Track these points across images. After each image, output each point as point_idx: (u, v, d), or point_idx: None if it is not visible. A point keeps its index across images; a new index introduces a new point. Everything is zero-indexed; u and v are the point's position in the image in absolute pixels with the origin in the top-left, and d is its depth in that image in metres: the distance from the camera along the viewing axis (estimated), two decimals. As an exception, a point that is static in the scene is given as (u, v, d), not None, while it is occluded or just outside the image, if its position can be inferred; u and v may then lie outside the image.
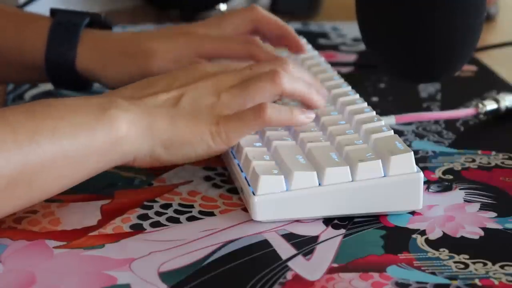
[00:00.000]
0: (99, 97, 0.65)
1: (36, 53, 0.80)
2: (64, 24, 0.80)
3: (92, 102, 0.63)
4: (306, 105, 0.69)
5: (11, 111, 0.60)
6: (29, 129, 0.59)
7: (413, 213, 0.64)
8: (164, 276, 0.56)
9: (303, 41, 0.85)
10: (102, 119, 0.61)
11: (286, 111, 0.66)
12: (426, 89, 0.90)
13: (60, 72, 0.80)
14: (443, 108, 0.85)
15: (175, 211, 0.65)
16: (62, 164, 0.60)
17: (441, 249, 0.59)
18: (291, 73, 0.69)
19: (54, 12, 0.82)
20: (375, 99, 0.88)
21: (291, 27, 0.83)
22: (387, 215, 0.63)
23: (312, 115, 0.67)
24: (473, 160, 0.73)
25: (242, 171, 0.64)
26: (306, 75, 0.71)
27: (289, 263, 0.58)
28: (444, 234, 0.61)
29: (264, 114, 0.64)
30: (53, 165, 0.59)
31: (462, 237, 0.61)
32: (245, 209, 0.64)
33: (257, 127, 0.65)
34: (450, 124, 0.81)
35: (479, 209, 0.65)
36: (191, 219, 0.64)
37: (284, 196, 0.61)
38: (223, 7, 0.93)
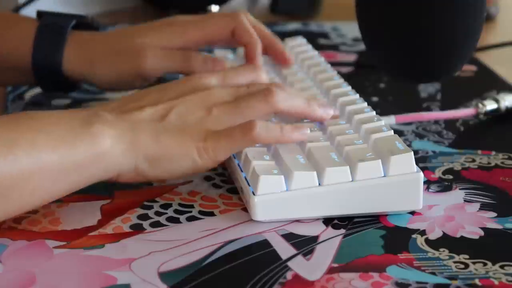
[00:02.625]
0: (85, 110, 0.63)
1: (22, 55, 0.80)
2: (51, 26, 0.80)
3: (77, 116, 0.62)
4: (309, 119, 0.68)
5: None
6: (8, 140, 0.58)
7: (413, 213, 0.64)
8: (164, 276, 0.56)
9: (291, 55, 0.81)
10: (84, 133, 0.60)
11: (276, 129, 0.64)
12: (426, 89, 0.90)
13: (47, 74, 0.80)
14: (443, 108, 0.85)
15: (175, 211, 0.65)
16: (40, 177, 0.59)
17: (441, 249, 0.59)
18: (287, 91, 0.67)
19: (40, 14, 0.82)
20: (375, 99, 0.88)
21: (279, 39, 0.81)
22: (387, 215, 0.63)
23: (306, 131, 0.65)
24: (473, 160, 0.73)
25: (242, 171, 0.64)
26: (303, 95, 0.70)
27: (289, 263, 0.58)
28: (444, 234, 0.61)
29: (253, 132, 0.62)
30: (30, 178, 0.58)
31: (462, 237, 0.61)
32: (245, 209, 0.64)
33: (245, 145, 0.64)
34: (450, 124, 0.81)
35: (479, 209, 0.64)
36: (191, 219, 0.64)
37: (284, 196, 0.61)
38: (214, 8, 0.91)
